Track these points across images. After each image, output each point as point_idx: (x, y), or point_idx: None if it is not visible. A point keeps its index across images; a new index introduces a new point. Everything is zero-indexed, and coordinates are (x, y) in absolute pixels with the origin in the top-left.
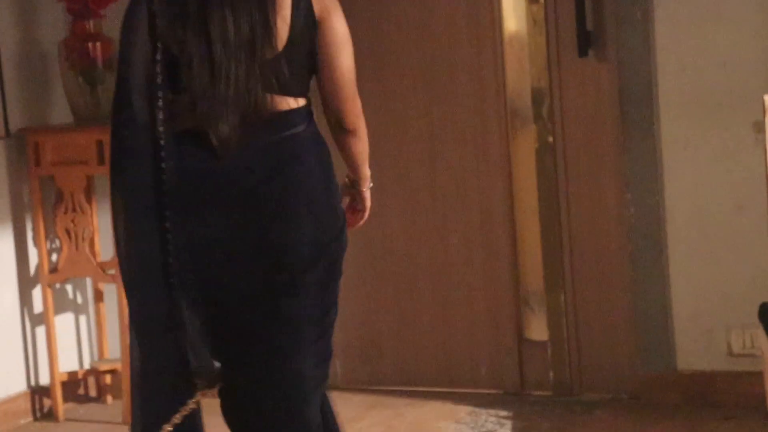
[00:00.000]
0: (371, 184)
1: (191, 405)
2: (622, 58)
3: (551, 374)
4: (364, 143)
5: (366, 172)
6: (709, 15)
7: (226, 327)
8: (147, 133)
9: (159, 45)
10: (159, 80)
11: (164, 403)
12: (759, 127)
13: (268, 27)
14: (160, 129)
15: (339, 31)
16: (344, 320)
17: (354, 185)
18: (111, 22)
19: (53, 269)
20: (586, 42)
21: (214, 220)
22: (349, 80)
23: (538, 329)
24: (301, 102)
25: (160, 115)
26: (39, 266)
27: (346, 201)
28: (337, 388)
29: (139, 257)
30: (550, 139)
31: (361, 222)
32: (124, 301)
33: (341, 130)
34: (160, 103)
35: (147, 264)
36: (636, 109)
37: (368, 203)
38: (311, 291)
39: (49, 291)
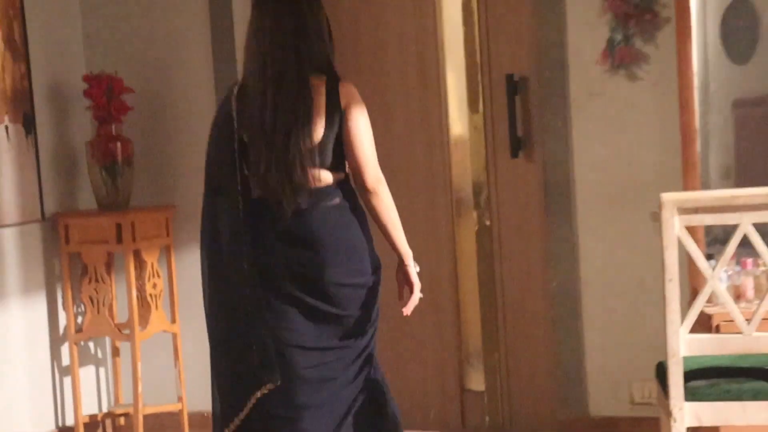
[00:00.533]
0: (417, 268)
1: (259, 394)
2: (546, 159)
3: (487, 418)
4: (387, 205)
5: (403, 246)
6: (616, 125)
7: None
8: (229, 197)
9: (236, 136)
10: (236, 156)
11: (238, 393)
12: (656, 217)
13: (306, 122)
14: (239, 194)
15: (357, 116)
16: None
17: (400, 265)
18: (129, 126)
19: (78, 329)
20: (517, 145)
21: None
22: (370, 149)
23: (476, 381)
24: (339, 177)
25: (238, 186)
26: (67, 327)
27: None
28: None
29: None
30: (488, 222)
31: (411, 302)
32: (137, 355)
33: (364, 190)
34: (238, 177)
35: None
36: (557, 200)
37: (414, 281)
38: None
39: (75, 347)
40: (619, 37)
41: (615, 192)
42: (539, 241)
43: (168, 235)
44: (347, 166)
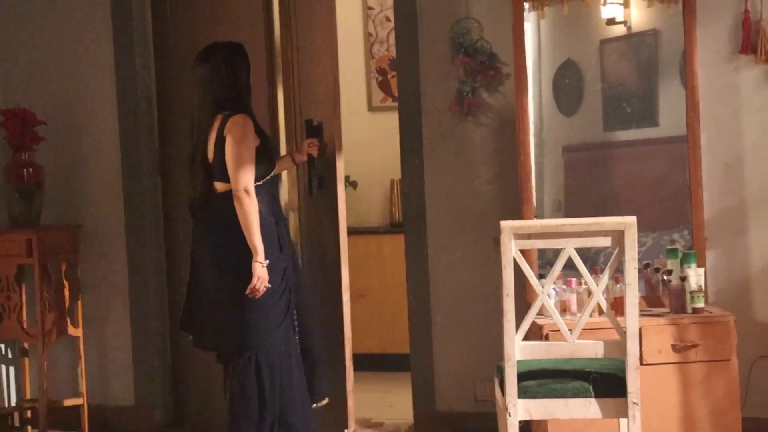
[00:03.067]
0: (266, 262)
1: None
2: (405, 191)
3: None
4: (246, 211)
5: (254, 242)
6: (464, 163)
7: None
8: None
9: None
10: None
11: None
12: (497, 241)
13: (204, 148)
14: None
15: (231, 141)
16: None
17: (252, 259)
18: (42, 153)
19: None
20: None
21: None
22: (235, 167)
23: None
24: (227, 187)
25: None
26: None
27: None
28: None
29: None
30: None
31: (249, 287)
32: (44, 356)
33: (233, 197)
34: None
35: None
36: (412, 227)
37: (255, 273)
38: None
39: None
40: (467, 88)
41: (462, 220)
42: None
43: (74, 251)
44: None
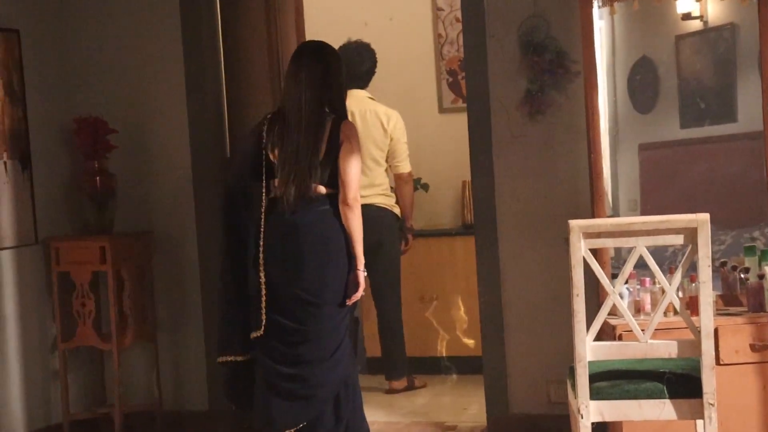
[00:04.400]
0: (365, 273)
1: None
2: (476, 193)
3: None
4: (357, 218)
5: (359, 252)
6: (534, 163)
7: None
8: (252, 197)
9: (264, 152)
10: (263, 171)
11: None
12: (567, 241)
13: (316, 148)
14: (263, 196)
15: (350, 149)
16: None
17: (353, 267)
18: (113, 161)
19: (67, 339)
20: None
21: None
22: (353, 177)
23: None
24: (331, 190)
25: (263, 189)
26: (57, 336)
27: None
28: None
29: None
30: None
31: (354, 297)
32: (118, 362)
33: (344, 204)
34: (263, 183)
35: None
36: (483, 229)
37: (360, 282)
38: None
39: (63, 354)
40: (536, 87)
41: (533, 220)
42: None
43: (146, 257)
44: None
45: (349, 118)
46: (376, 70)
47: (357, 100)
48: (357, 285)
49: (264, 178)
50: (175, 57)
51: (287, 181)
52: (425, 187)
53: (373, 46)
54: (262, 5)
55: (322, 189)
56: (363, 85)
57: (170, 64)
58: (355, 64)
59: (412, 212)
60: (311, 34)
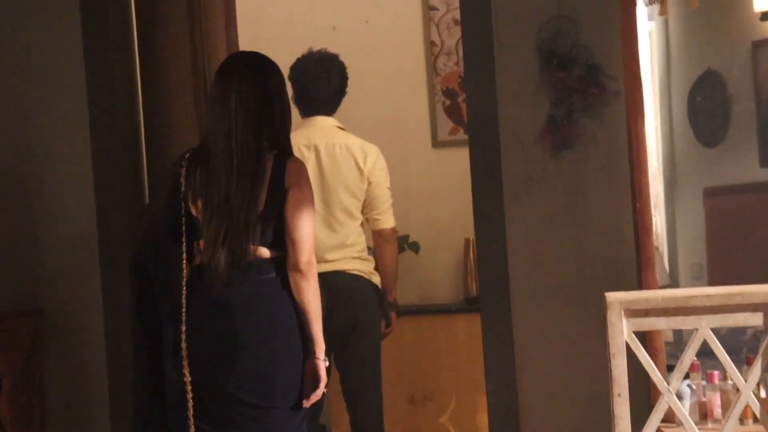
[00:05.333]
0: (327, 363)
1: None
2: (482, 255)
3: None
4: (313, 289)
5: (318, 335)
6: (560, 214)
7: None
8: (169, 264)
9: (183, 204)
10: (183, 230)
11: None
12: (605, 320)
13: (254, 196)
14: (183, 263)
15: (301, 197)
16: None
17: (311, 355)
18: None
19: None
20: None
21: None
22: (307, 234)
23: None
24: (276, 253)
25: (183, 255)
26: None
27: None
28: None
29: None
30: None
31: (314, 395)
32: None
33: (295, 270)
34: (183, 246)
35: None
36: (492, 300)
37: (321, 374)
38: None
39: None
40: (561, 112)
41: (559, 292)
42: None
43: (32, 343)
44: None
45: (305, 153)
46: (348, 90)
47: (323, 131)
48: (317, 379)
49: (184, 238)
50: (75, 83)
51: (215, 242)
52: (415, 247)
53: (345, 56)
54: (185, 14)
55: (265, 252)
56: (330, 110)
57: (68, 92)
58: (318, 82)
59: (396, 282)
60: (260, 42)
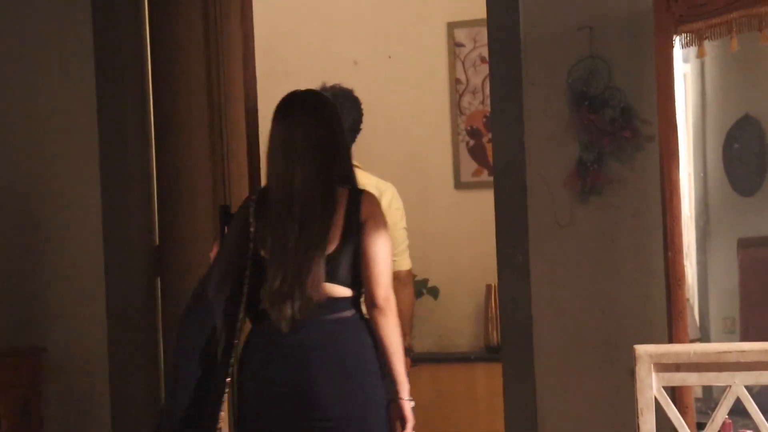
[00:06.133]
0: (413, 403)
1: None
2: (505, 303)
3: None
4: (393, 326)
5: (401, 376)
6: (587, 263)
7: None
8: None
9: (251, 245)
10: (247, 272)
11: None
12: (632, 374)
13: (324, 235)
14: (241, 304)
15: (376, 231)
16: None
17: (394, 397)
18: None
19: None
20: None
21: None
22: (384, 269)
23: None
24: (350, 292)
25: (243, 298)
26: None
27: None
28: None
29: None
30: None
31: None
32: None
33: (373, 306)
34: (245, 288)
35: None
36: (513, 350)
37: (408, 416)
38: None
39: None
40: (592, 156)
41: (585, 343)
42: None
43: (34, 384)
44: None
45: None
46: (368, 126)
47: None
48: (403, 421)
49: (247, 280)
50: (85, 112)
51: (279, 289)
52: (434, 292)
53: (366, 92)
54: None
55: (339, 290)
56: None
57: (79, 119)
58: None
59: (411, 327)
60: (278, 74)
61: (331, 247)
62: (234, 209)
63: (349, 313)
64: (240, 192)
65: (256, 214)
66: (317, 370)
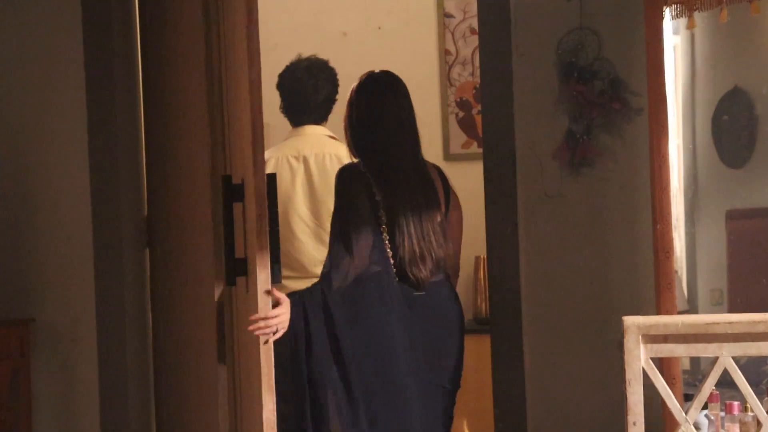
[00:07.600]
0: None
1: None
2: (494, 274)
3: None
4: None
5: None
6: (576, 235)
7: None
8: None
9: (380, 213)
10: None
11: None
12: (620, 345)
13: (439, 204)
14: (390, 270)
15: (459, 204)
16: None
17: None
18: None
19: None
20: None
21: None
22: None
23: None
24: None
25: (390, 259)
26: None
27: None
28: None
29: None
30: None
31: None
32: None
33: (454, 273)
34: (389, 251)
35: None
36: (502, 323)
37: None
38: None
39: None
40: (581, 128)
41: (573, 315)
42: None
43: (22, 355)
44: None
45: (293, 164)
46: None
47: (312, 141)
48: None
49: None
50: (73, 81)
51: (414, 256)
52: None
53: (355, 64)
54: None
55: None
56: (319, 118)
57: (67, 90)
58: (307, 89)
59: None
60: (267, 48)
61: (438, 216)
62: (236, 180)
63: (442, 276)
64: (241, 163)
65: (376, 180)
66: (438, 327)
